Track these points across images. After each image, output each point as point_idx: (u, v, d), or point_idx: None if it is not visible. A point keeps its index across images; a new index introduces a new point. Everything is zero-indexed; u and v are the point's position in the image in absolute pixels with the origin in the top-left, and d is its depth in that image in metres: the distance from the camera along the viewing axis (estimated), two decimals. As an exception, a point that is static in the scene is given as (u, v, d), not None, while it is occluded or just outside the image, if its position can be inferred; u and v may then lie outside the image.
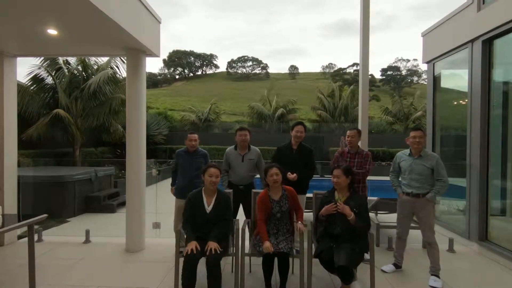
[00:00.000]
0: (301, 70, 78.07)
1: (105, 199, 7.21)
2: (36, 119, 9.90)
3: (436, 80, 5.73)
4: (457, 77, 5.52)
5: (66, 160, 10.50)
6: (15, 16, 3.18)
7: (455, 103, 5.60)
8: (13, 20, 3.27)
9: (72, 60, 10.66)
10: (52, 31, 3.56)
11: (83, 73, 10.70)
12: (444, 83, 5.72)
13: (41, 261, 3.73)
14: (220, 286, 2.79)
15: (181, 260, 2.76)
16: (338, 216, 2.94)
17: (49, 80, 10.35)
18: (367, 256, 2.89)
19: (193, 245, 2.74)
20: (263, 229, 2.98)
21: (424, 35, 5.77)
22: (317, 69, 79.45)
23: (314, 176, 4.05)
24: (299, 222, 3.08)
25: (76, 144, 10.53)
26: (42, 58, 9.73)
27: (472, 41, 4.51)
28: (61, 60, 10.29)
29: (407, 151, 3.53)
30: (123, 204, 6.87)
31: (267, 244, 2.83)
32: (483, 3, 4.34)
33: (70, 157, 10.56)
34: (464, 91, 4.89)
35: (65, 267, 3.60)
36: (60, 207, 6.46)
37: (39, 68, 9.92)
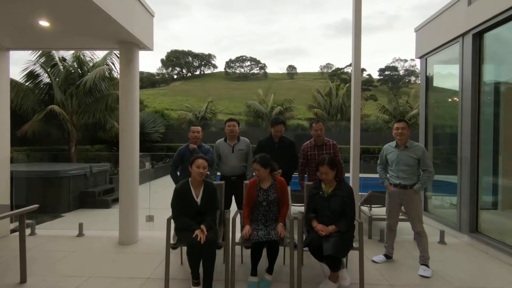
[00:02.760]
0: (300, 70, 78.19)
1: (100, 194, 7.21)
2: (31, 116, 9.88)
3: (428, 76, 5.77)
4: (449, 73, 5.56)
5: (62, 156, 10.48)
6: (5, 7, 3.18)
7: (449, 100, 5.64)
8: (3, 11, 3.28)
9: (68, 56, 10.65)
10: (44, 23, 3.56)
11: (79, 69, 10.68)
12: (437, 78, 5.76)
13: (33, 254, 3.74)
14: (213, 271, 2.85)
15: (173, 251, 2.79)
16: (327, 206, 2.96)
17: (44, 76, 10.33)
18: (356, 244, 2.92)
19: (203, 229, 2.81)
20: (245, 213, 3.09)
21: (417, 30, 5.81)
22: (316, 69, 79.62)
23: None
24: (280, 224, 3.03)
25: (72, 141, 10.51)
26: (38, 54, 9.71)
27: (463, 35, 4.56)
28: (56, 56, 10.28)
29: (393, 143, 3.57)
30: (118, 200, 6.87)
31: (246, 228, 2.95)
32: (474, -3, 4.39)
33: (66, 154, 10.54)
34: (456, 88, 4.93)
35: (57, 259, 3.61)
36: (55, 202, 6.46)
37: (34, 64, 9.90)
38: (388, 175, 3.62)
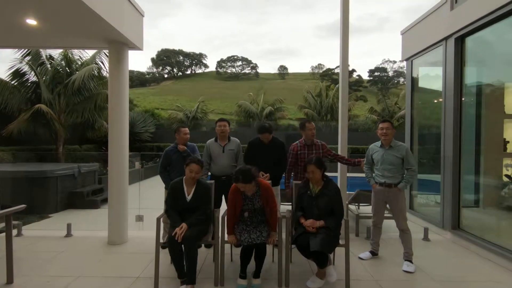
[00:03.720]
0: (292, 71, 78.57)
1: (89, 195, 7.13)
2: (17, 115, 9.69)
3: (414, 78, 5.93)
4: (434, 75, 5.73)
5: (49, 156, 10.30)
6: (-8, 5, 3.15)
7: (434, 101, 5.81)
8: (-10, 9, 3.24)
9: (56, 55, 10.48)
10: (31, 21, 3.53)
11: (67, 68, 10.52)
12: (422, 80, 5.93)
13: (20, 254, 3.70)
14: (195, 267, 2.89)
15: (163, 250, 2.81)
16: (315, 206, 3.03)
17: (31, 75, 10.14)
18: (342, 241, 3.00)
19: (184, 227, 2.86)
20: (229, 223, 3.04)
21: (403, 33, 5.96)
22: (308, 69, 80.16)
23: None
24: (273, 233, 2.97)
25: (60, 140, 10.34)
26: (24, 52, 9.52)
27: (446, 38, 4.71)
28: (44, 55, 10.10)
29: (379, 143, 3.68)
30: (107, 200, 6.81)
31: (231, 238, 2.97)
32: (456, 2, 4.54)
33: (53, 154, 10.36)
34: (440, 89, 5.09)
35: (44, 260, 3.58)
36: (42, 203, 6.36)
37: (21, 62, 9.71)
38: (374, 174, 3.73)
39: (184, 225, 2.89)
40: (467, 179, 4.65)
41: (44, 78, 10.09)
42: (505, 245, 3.71)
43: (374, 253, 3.72)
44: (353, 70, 51.87)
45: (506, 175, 4.35)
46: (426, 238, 4.39)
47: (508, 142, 4.40)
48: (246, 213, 3.05)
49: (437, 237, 4.52)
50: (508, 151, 4.36)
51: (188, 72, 79.54)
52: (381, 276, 3.22)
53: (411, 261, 3.44)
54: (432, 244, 4.25)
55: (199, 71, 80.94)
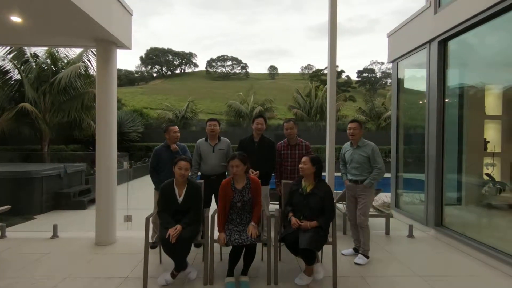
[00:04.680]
0: (282, 71, 78.94)
1: (76, 195, 7.01)
2: (0, 114, 9.42)
3: (399, 79, 6.08)
4: (419, 76, 5.89)
5: (34, 156, 10.05)
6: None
7: (419, 102, 5.97)
8: (-27, 5, 3.16)
9: (41, 52, 10.23)
10: (16, 19, 3.46)
11: (52, 66, 10.29)
12: (407, 81, 6.08)
13: (4, 256, 3.63)
14: (186, 257, 2.99)
15: (152, 250, 2.82)
16: (306, 204, 3.09)
17: (15, 72, 9.87)
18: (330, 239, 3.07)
19: (178, 228, 2.88)
20: (220, 220, 3.09)
21: (389, 35, 6.10)
22: (298, 70, 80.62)
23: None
24: (252, 223, 3.05)
25: (45, 140, 10.11)
26: (7, 49, 9.26)
27: (429, 41, 4.86)
28: (28, 52, 9.85)
29: (350, 142, 3.84)
30: (94, 201, 6.72)
31: (221, 236, 2.96)
32: (439, 6, 4.69)
33: (38, 154, 10.12)
34: (425, 91, 5.24)
35: (30, 261, 3.52)
36: (26, 204, 6.22)
37: (3, 59, 9.44)
38: (347, 171, 3.87)
39: (179, 226, 2.90)
40: (449, 178, 4.81)
41: (28, 76, 9.84)
42: (484, 241, 3.86)
43: (356, 250, 3.80)
44: (342, 71, 52.47)
45: (486, 174, 4.52)
46: (411, 235, 4.52)
47: (488, 142, 4.58)
48: (239, 203, 3.11)
49: (421, 234, 4.66)
50: (488, 150, 4.53)
51: (178, 71, 78.86)
52: (367, 273, 3.31)
53: (366, 256, 3.58)
54: (416, 241, 4.38)
55: (188, 70, 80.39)
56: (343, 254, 3.75)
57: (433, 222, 4.72)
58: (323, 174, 4.28)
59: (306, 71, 74.40)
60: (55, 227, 4.40)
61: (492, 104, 4.60)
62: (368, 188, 3.63)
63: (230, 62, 77.52)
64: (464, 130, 4.68)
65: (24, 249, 3.91)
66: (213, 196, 3.97)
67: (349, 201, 3.85)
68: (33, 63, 10.02)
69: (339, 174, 4.35)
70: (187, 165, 3.12)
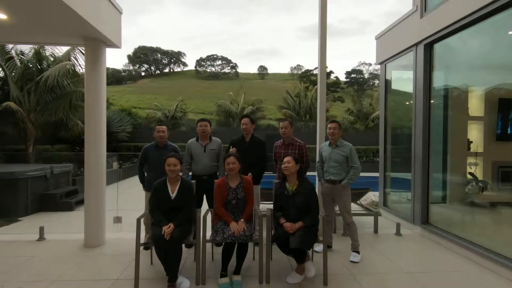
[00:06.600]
0: (272, 71, 79.13)
1: (62, 197, 6.87)
2: (-18, 113, 9.12)
3: (387, 80, 6.22)
4: (406, 78, 6.04)
5: (18, 157, 9.77)
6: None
7: (407, 103, 6.12)
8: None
9: (26, 50, 9.95)
10: (1, 16, 3.37)
11: (38, 65, 10.02)
12: (395, 83, 6.23)
13: (-12, 260, 3.52)
14: (178, 267, 2.95)
15: (144, 251, 2.80)
16: (292, 204, 3.13)
17: (-2, 70, 9.58)
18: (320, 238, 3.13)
19: (171, 226, 2.87)
20: (224, 212, 3.15)
21: (377, 38, 6.23)
22: (288, 70, 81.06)
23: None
24: (242, 220, 3.09)
25: (30, 140, 9.84)
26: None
27: (416, 44, 4.99)
28: (13, 50, 9.56)
29: (328, 142, 3.90)
30: (82, 202, 6.60)
31: (233, 224, 3.01)
32: (425, 10, 4.82)
33: (23, 155, 9.84)
34: (411, 91, 5.38)
35: (15, 265, 3.43)
36: (11, 206, 6.06)
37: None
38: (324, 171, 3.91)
39: (172, 225, 2.90)
40: (435, 177, 4.95)
41: (12, 74, 9.56)
42: (467, 238, 4.01)
43: (328, 246, 3.83)
44: (331, 72, 52.99)
45: (470, 173, 4.68)
46: (398, 233, 4.63)
47: (471, 142, 4.75)
48: (234, 200, 3.19)
49: (408, 232, 4.78)
50: (471, 150, 4.70)
51: (166, 70, 77.97)
52: (357, 270, 3.38)
53: (357, 252, 3.67)
54: (403, 239, 4.50)
55: (177, 69, 79.55)
56: (315, 251, 3.70)
57: (420, 220, 4.85)
58: (312, 173, 4.37)
59: (295, 72, 74.85)
60: (41, 229, 4.30)
61: (475, 106, 4.77)
62: (346, 188, 3.72)
63: (220, 62, 77.18)
64: (448, 131, 4.83)
65: (9, 252, 3.81)
66: (204, 196, 3.97)
67: (325, 200, 3.90)
68: (18, 61, 9.74)
69: (315, 173, 4.35)
70: (175, 162, 3.11)
